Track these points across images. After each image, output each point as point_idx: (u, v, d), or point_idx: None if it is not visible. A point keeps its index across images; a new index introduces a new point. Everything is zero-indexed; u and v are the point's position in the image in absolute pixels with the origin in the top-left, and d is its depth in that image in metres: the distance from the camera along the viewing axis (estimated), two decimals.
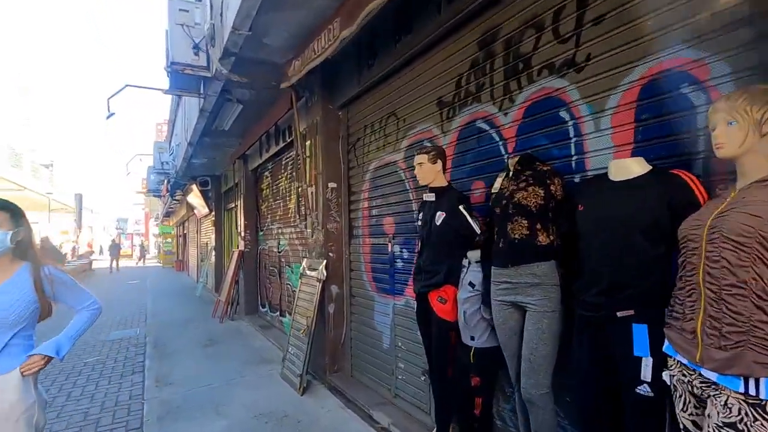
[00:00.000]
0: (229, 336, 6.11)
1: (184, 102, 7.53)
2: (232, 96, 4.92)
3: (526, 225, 1.87)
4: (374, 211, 3.62)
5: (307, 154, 4.36)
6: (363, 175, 3.81)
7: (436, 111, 2.83)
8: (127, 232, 48.33)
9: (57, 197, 33.92)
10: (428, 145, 2.77)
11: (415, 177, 2.50)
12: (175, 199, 15.09)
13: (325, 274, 3.92)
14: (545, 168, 1.91)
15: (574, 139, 1.93)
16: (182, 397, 3.79)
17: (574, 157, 1.94)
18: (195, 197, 11.92)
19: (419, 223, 2.57)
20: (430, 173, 2.46)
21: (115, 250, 22.98)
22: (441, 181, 2.48)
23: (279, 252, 6.19)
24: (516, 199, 1.89)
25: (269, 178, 6.75)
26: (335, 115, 4.14)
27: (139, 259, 30.96)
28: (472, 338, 2.21)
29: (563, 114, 1.98)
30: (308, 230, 4.40)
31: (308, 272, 4.25)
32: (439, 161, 2.46)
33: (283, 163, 6.02)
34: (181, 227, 21.07)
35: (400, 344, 3.22)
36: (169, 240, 26.60)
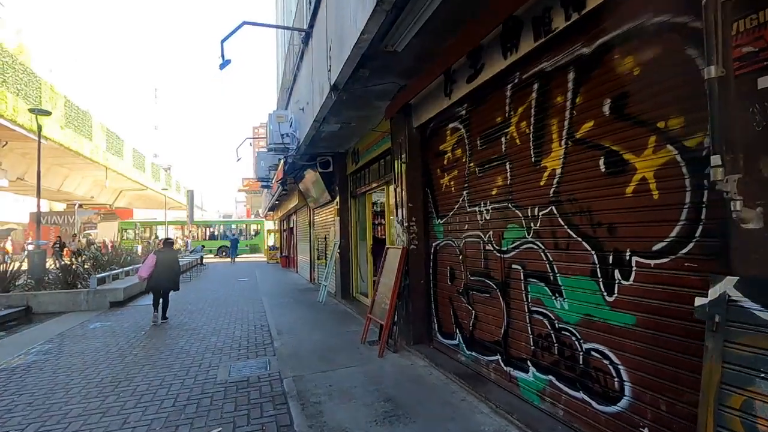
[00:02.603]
0: (417, 395, 3.59)
1: (324, 24, 5.24)
2: None
3: None
4: None
5: None
6: None
7: None
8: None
9: (171, 194, 36.14)
10: None
11: None
12: (285, 189, 13.49)
13: None
14: None
15: None
16: None
17: None
18: (312, 183, 9.93)
19: None
20: None
21: (234, 244, 24.30)
22: None
23: (502, 252, 3.51)
24: None
25: (463, 131, 4.12)
26: None
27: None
28: None
29: None
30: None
31: None
32: None
33: (509, 92, 3.34)
34: (287, 221, 19.90)
35: None
36: (273, 235, 26.12)
